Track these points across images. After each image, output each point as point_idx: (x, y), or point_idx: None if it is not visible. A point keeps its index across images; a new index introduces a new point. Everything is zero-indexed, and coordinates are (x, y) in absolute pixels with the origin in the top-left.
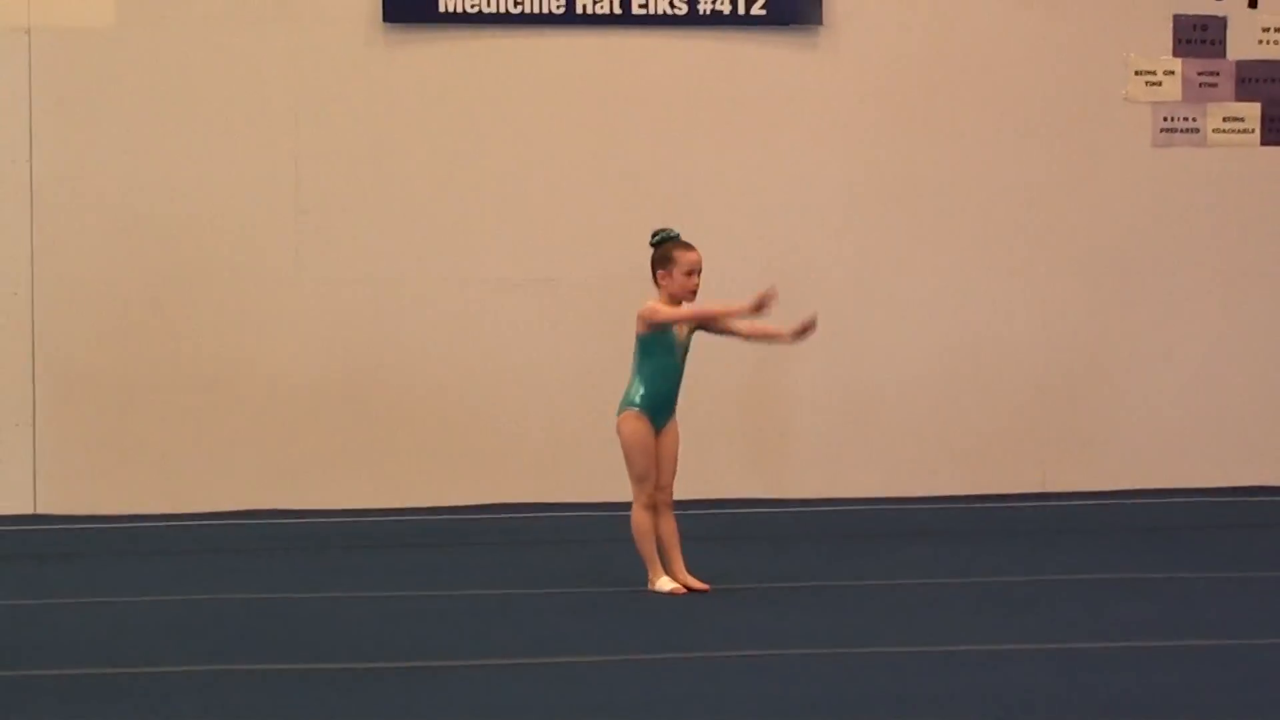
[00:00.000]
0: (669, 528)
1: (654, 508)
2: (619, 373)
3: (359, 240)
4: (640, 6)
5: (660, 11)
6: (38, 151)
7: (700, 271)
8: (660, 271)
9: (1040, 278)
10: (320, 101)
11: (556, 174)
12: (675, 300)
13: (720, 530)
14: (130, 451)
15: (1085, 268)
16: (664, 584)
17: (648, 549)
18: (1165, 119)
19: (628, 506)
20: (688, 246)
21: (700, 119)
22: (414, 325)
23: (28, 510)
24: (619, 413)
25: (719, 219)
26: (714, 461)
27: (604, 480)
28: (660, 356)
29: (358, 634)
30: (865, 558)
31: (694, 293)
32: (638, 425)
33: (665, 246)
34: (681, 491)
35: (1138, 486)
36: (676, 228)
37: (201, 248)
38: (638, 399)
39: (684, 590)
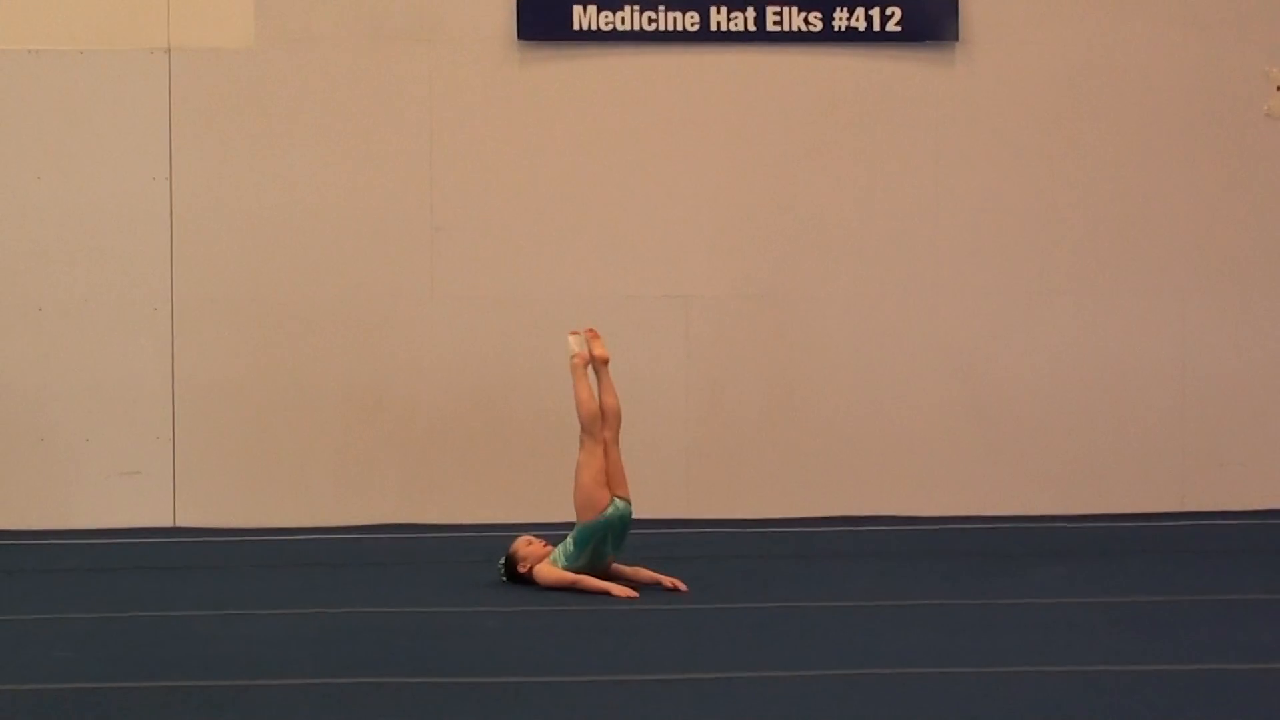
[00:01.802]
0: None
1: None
2: (749, 388)
3: (493, 258)
4: (775, 24)
5: (795, 28)
6: (177, 170)
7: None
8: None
9: (1180, 296)
10: (455, 119)
11: (690, 191)
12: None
13: (846, 547)
14: (268, 465)
15: (1227, 286)
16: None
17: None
18: None
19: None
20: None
21: (834, 136)
22: (548, 343)
23: (167, 523)
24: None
25: (854, 234)
26: (839, 475)
27: (733, 494)
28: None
29: (492, 648)
30: (999, 577)
31: None
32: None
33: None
34: (802, 510)
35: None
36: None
37: (337, 265)
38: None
39: None
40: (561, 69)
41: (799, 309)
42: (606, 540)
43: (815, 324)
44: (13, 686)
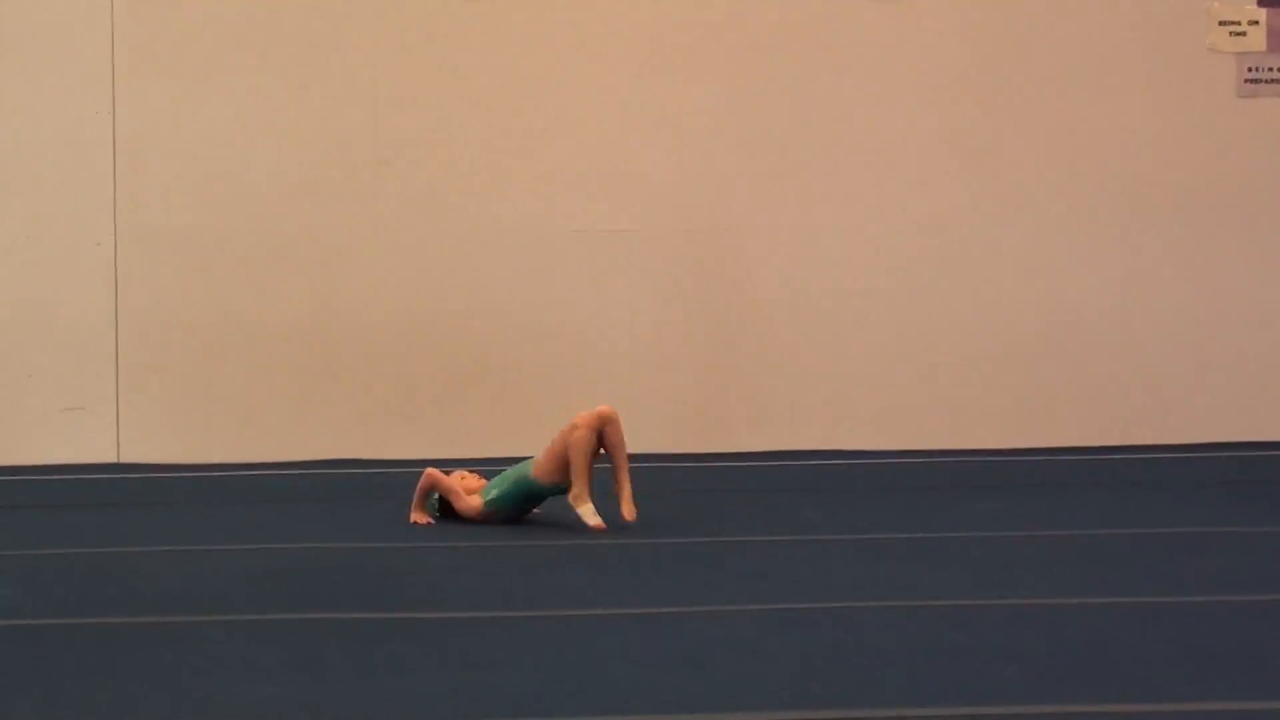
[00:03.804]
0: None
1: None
2: (697, 325)
3: (440, 191)
4: None
5: None
6: (120, 102)
7: None
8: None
9: (1123, 231)
10: (399, 50)
11: (636, 125)
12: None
13: (792, 482)
14: (212, 401)
15: (1170, 220)
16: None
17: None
18: (1250, 70)
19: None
20: None
21: (779, 69)
22: (494, 276)
23: (111, 459)
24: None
25: (799, 168)
26: (785, 410)
27: (678, 430)
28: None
29: (437, 584)
30: (940, 511)
31: None
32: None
33: None
34: (748, 445)
35: (1220, 440)
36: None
37: (282, 197)
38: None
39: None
40: None
41: (744, 243)
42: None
43: (760, 258)
44: None
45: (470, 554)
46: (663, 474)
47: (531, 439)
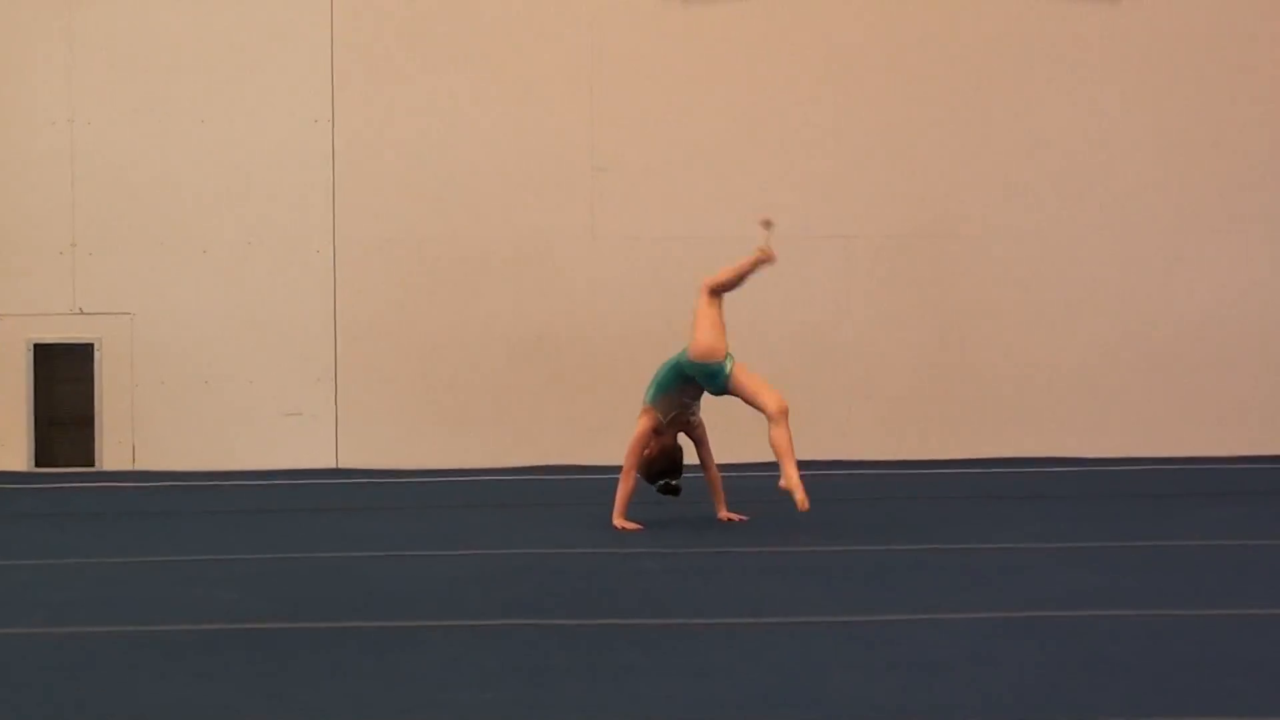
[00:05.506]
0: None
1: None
2: (915, 328)
3: (654, 198)
4: None
5: None
6: (339, 112)
7: None
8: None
9: None
10: (614, 59)
11: (850, 130)
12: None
13: (1011, 489)
14: (429, 407)
15: None
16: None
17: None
18: None
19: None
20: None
21: (997, 73)
22: None
23: (330, 464)
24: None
25: (1018, 171)
26: (1004, 416)
27: (895, 436)
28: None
29: (652, 589)
30: (1160, 519)
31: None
32: None
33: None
34: (965, 452)
35: None
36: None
37: (498, 206)
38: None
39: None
40: (723, 8)
41: (962, 248)
42: (687, 387)
43: (979, 263)
44: (179, 626)
45: (683, 559)
46: (881, 481)
47: (748, 441)
